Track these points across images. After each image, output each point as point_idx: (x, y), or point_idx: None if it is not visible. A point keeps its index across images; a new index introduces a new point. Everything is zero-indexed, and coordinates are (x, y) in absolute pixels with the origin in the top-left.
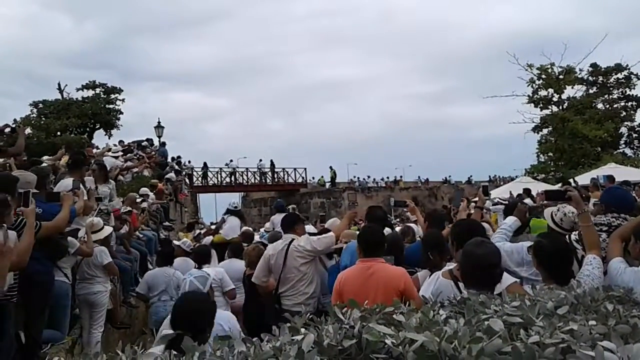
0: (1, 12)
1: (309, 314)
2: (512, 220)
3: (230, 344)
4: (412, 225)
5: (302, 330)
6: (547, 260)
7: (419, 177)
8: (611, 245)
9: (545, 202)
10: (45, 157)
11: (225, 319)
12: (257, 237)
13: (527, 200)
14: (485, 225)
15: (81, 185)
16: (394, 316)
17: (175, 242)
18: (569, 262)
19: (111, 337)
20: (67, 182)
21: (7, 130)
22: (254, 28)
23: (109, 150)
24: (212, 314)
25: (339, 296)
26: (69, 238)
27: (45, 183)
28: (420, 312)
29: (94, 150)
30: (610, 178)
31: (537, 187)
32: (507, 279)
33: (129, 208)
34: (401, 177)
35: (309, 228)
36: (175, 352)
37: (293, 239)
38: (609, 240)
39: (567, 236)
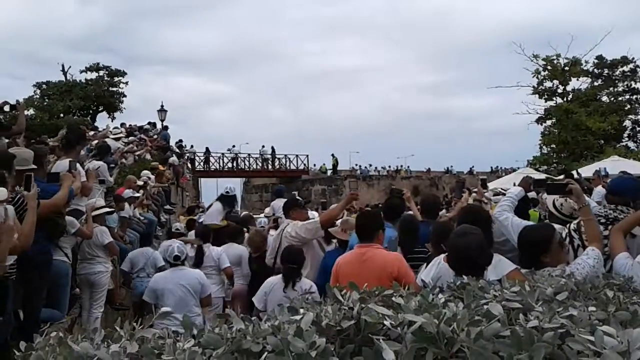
0: None
1: (308, 296)
2: (517, 190)
3: (229, 321)
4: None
5: (301, 310)
6: (526, 251)
7: (408, 166)
8: (613, 240)
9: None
10: (49, 140)
11: (187, 277)
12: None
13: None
14: None
15: (79, 166)
16: (393, 299)
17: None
18: (538, 248)
19: (110, 317)
20: (64, 163)
21: (6, 107)
22: (259, 14)
23: (109, 132)
24: (303, 256)
25: (335, 280)
26: (69, 218)
27: (43, 162)
28: (419, 295)
29: (95, 133)
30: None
31: None
32: (507, 266)
33: (135, 193)
34: (401, 166)
35: (313, 214)
36: (173, 330)
37: (288, 225)
38: (611, 236)
39: (566, 225)
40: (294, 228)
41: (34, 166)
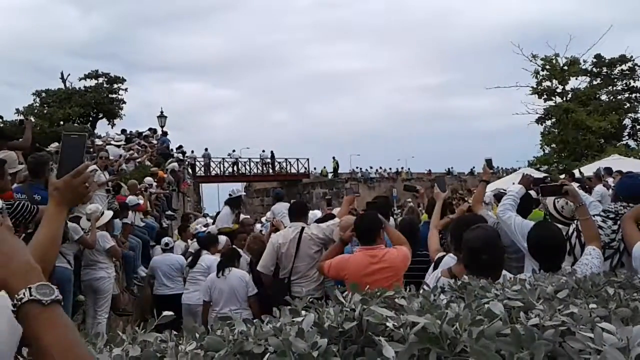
0: (8, 2)
1: (310, 298)
2: (518, 188)
3: (230, 324)
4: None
5: (303, 312)
6: (537, 250)
7: (409, 168)
8: (628, 229)
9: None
10: (52, 145)
11: (171, 260)
12: (257, 227)
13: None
14: (489, 213)
15: None
16: (396, 300)
17: None
18: (560, 254)
19: (113, 323)
20: None
21: None
22: (259, 19)
23: (112, 140)
24: None
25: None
26: (72, 224)
27: (45, 170)
28: (421, 296)
29: (96, 141)
30: (608, 170)
31: None
32: None
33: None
34: (402, 168)
35: (315, 213)
36: (175, 333)
37: (303, 227)
38: (623, 225)
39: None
40: (320, 229)
41: (19, 167)
